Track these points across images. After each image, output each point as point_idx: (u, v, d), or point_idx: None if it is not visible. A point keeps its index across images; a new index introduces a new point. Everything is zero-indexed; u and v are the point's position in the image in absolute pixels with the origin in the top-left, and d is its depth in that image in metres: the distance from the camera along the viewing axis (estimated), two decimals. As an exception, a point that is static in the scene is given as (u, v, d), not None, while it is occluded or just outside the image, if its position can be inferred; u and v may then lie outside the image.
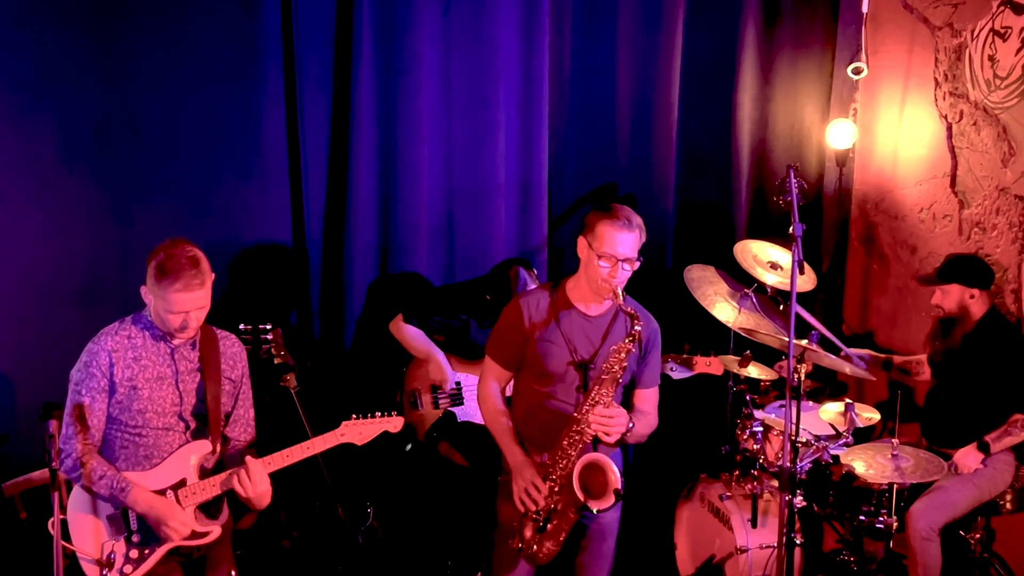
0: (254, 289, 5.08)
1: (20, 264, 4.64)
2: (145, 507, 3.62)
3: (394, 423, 3.87)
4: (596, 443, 3.87)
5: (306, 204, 5.17)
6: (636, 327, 3.80)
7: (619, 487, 3.78)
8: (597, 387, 3.81)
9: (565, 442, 3.82)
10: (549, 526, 3.83)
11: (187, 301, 3.55)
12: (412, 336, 5.01)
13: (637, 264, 3.82)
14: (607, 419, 3.77)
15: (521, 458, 3.89)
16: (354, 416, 3.85)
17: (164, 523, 3.61)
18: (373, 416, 3.87)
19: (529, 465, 3.86)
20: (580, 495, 3.76)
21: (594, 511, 3.79)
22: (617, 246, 3.74)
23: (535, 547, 3.83)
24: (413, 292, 5.31)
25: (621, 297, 3.79)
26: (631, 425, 3.84)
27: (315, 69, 5.08)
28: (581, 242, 3.85)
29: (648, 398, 4.06)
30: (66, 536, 3.64)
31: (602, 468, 3.82)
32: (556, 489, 3.82)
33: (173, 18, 4.81)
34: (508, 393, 4.13)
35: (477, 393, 4.10)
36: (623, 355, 3.81)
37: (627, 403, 4.02)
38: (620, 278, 3.79)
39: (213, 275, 3.63)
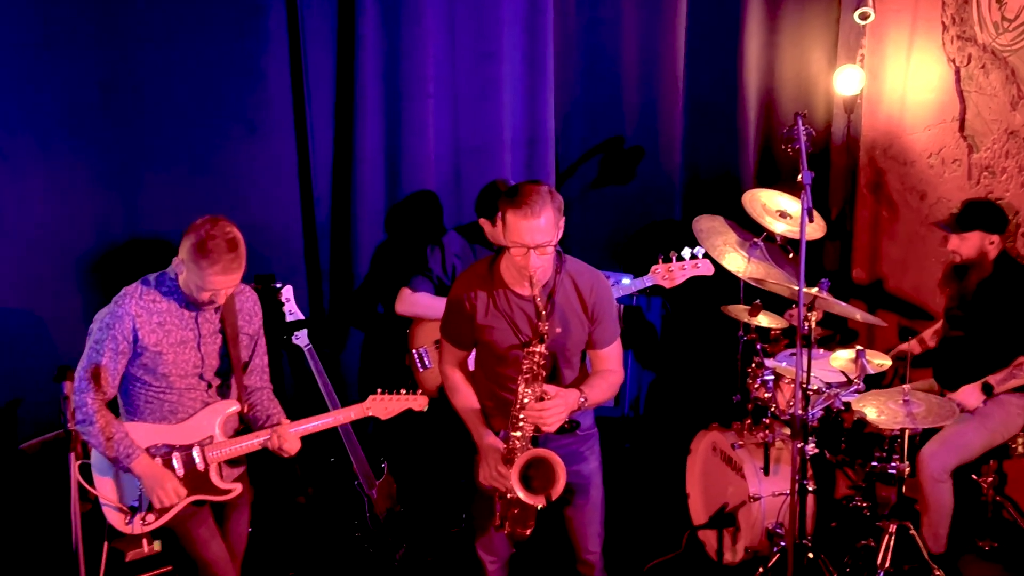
0: (263, 247, 5.08)
1: (27, 226, 4.64)
2: (141, 472, 3.69)
3: (419, 402, 3.91)
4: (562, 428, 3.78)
5: (313, 162, 5.15)
6: (542, 328, 3.62)
7: (558, 492, 3.65)
8: (522, 386, 3.68)
9: (513, 432, 3.73)
10: (516, 511, 3.77)
11: (223, 282, 3.60)
12: (424, 303, 4.99)
13: (551, 249, 3.62)
14: (540, 413, 3.63)
15: (488, 442, 3.79)
16: (381, 391, 3.90)
17: (155, 488, 3.69)
18: (399, 392, 3.92)
19: (495, 451, 3.76)
20: (520, 491, 3.64)
21: (537, 507, 3.70)
22: (524, 235, 3.54)
23: (509, 528, 3.81)
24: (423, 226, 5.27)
25: (536, 289, 3.60)
26: (583, 400, 3.74)
27: (319, 25, 5.04)
28: (498, 226, 3.70)
29: (607, 356, 3.91)
30: (92, 483, 3.72)
31: (549, 463, 3.68)
32: None
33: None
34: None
35: (440, 373, 3.99)
36: (535, 356, 3.66)
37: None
38: (535, 263, 3.60)
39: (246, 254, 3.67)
